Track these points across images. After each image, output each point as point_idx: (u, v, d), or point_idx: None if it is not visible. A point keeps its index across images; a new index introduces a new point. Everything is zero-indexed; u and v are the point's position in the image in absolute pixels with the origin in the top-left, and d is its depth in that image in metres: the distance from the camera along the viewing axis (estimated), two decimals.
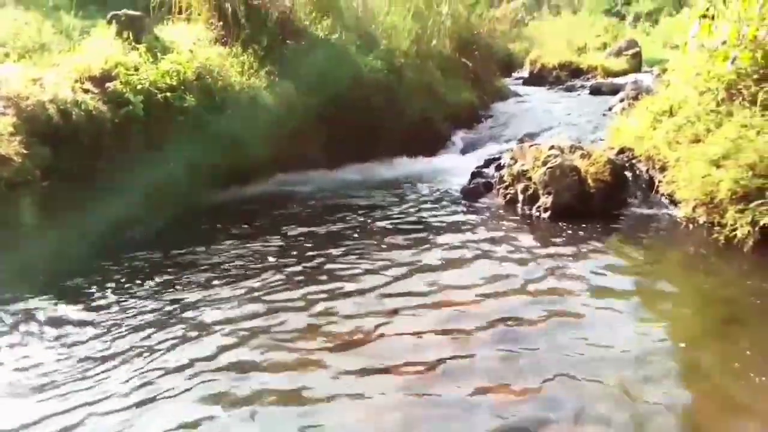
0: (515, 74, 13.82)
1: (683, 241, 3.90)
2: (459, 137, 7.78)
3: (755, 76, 4.04)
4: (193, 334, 2.71)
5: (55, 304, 3.04)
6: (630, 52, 12.72)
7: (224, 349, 2.57)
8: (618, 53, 12.83)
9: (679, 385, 2.28)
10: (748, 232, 3.46)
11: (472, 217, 4.53)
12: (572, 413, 2.08)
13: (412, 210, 4.80)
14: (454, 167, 6.52)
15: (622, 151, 4.93)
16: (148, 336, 2.70)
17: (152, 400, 2.21)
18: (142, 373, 2.39)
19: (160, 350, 2.56)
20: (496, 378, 2.31)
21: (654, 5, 19.16)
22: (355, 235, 4.13)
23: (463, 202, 5.04)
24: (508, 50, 14.49)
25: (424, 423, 2.07)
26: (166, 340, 2.66)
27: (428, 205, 4.96)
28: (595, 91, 10.31)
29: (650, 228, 4.17)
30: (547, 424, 2.03)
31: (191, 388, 2.28)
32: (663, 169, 4.44)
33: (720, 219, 3.72)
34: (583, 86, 11.17)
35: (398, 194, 5.46)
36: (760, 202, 3.46)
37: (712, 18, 4.24)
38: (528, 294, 3.05)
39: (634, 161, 4.79)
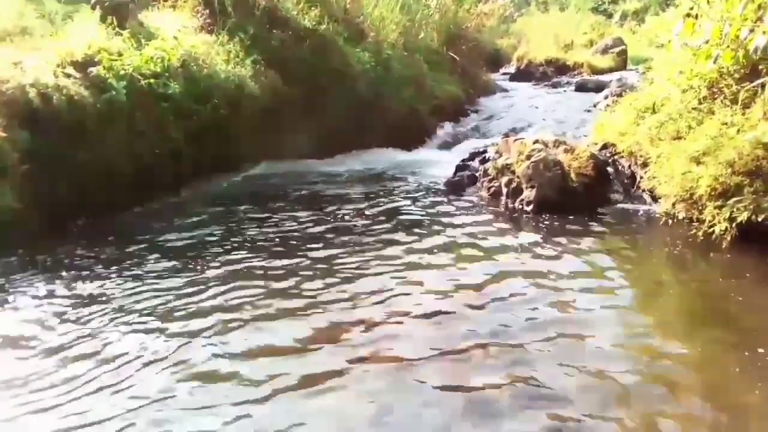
0: (502, 69, 13.88)
1: (662, 236, 3.94)
2: (445, 130, 7.81)
3: (736, 75, 4.09)
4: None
5: None
6: (616, 49, 12.82)
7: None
8: (604, 51, 12.93)
9: (661, 379, 2.30)
10: (726, 228, 3.51)
11: (455, 209, 4.54)
12: (552, 402, 2.11)
13: (395, 201, 4.81)
14: (439, 160, 6.55)
15: (605, 146, 4.98)
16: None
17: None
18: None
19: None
20: (476, 366, 2.33)
21: (640, 4, 19.30)
22: (338, 226, 4.13)
23: (447, 194, 5.06)
24: (496, 45, 14.57)
25: (401, 410, 2.09)
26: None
27: (412, 197, 4.97)
28: (581, 87, 10.40)
29: (631, 223, 4.22)
30: (525, 409, 2.06)
31: None
32: (645, 165, 4.48)
33: (699, 215, 3.77)
34: (569, 82, 11.25)
35: (382, 185, 5.46)
36: (738, 199, 3.52)
37: (696, 17, 4.27)
38: (508, 288, 3.06)
39: (616, 157, 4.84)
